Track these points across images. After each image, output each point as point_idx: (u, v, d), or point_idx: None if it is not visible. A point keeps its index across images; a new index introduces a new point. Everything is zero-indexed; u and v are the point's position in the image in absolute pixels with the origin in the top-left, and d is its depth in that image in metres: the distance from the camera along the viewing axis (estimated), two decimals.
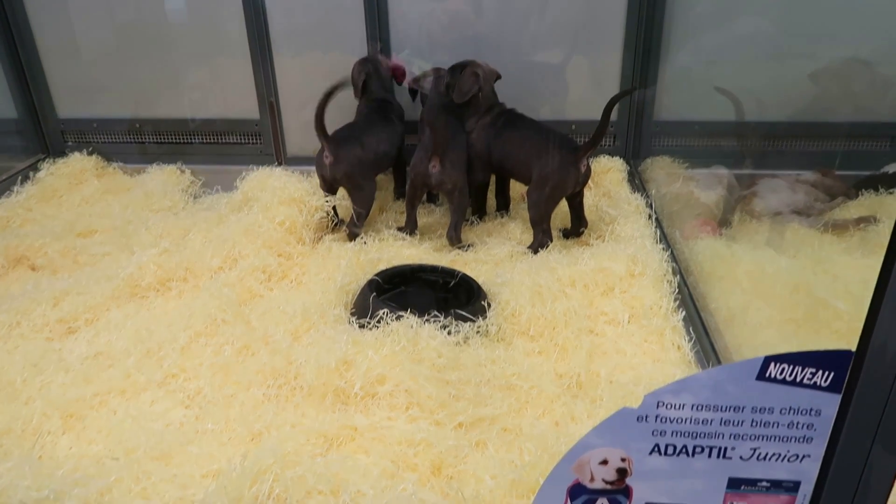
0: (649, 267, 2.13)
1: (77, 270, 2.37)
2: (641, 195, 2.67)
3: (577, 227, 2.54)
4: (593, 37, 2.89)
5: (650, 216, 2.50)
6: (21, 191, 2.93)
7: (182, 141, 3.23)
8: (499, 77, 2.65)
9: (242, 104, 3.11)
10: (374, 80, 2.76)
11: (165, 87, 3.20)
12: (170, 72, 3.17)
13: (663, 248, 2.26)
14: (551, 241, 2.43)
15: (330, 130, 2.46)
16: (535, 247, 2.41)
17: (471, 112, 2.57)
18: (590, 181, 2.85)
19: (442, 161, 2.41)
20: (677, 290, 2.07)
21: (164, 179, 3.04)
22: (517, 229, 2.61)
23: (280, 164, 3.17)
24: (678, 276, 2.13)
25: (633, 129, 2.97)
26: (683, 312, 1.98)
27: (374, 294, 2.01)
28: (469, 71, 2.53)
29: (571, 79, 3.00)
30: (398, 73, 2.94)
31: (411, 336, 1.79)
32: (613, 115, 2.93)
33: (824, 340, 1.75)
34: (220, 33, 3.05)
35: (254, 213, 2.46)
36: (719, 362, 1.78)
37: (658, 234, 2.38)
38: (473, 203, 2.65)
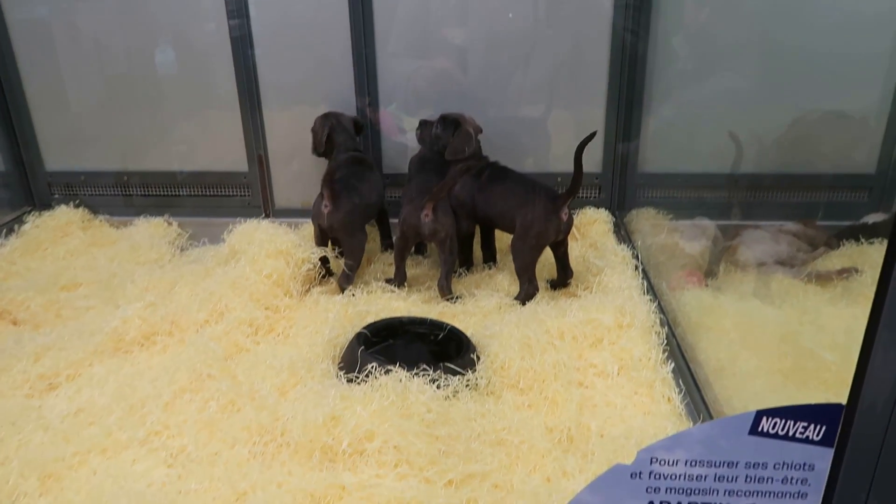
0: (637, 318, 2.14)
1: (60, 325, 2.34)
2: (628, 246, 2.70)
3: (564, 278, 2.55)
4: (577, 91, 2.97)
5: (637, 267, 2.52)
6: (5, 244, 2.90)
7: (169, 193, 3.24)
8: (480, 131, 2.71)
9: (231, 157, 3.13)
10: (340, 133, 2.80)
11: (154, 140, 3.23)
12: (158, 124, 3.20)
13: (650, 300, 2.27)
14: (538, 291, 2.44)
15: (313, 184, 2.49)
16: (523, 297, 2.43)
17: (455, 164, 2.61)
18: (576, 232, 2.89)
19: (434, 209, 2.43)
20: (666, 342, 2.08)
21: (151, 232, 3.03)
22: (504, 280, 2.62)
23: (267, 216, 3.18)
24: (666, 328, 2.13)
25: (617, 181, 3.02)
26: (672, 364, 1.98)
27: (363, 347, 1.99)
28: (464, 131, 2.60)
29: (556, 132, 3.06)
30: (386, 127, 3.00)
31: (400, 390, 1.77)
32: (597, 167, 3.02)
33: (814, 392, 1.76)
34: (209, 87, 3.09)
35: (241, 266, 2.44)
36: (710, 415, 1.77)
37: (645, 285, 2.40)
38: (460, 255, 2.67)
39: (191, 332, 2.22)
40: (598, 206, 3.01)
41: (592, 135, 2.36)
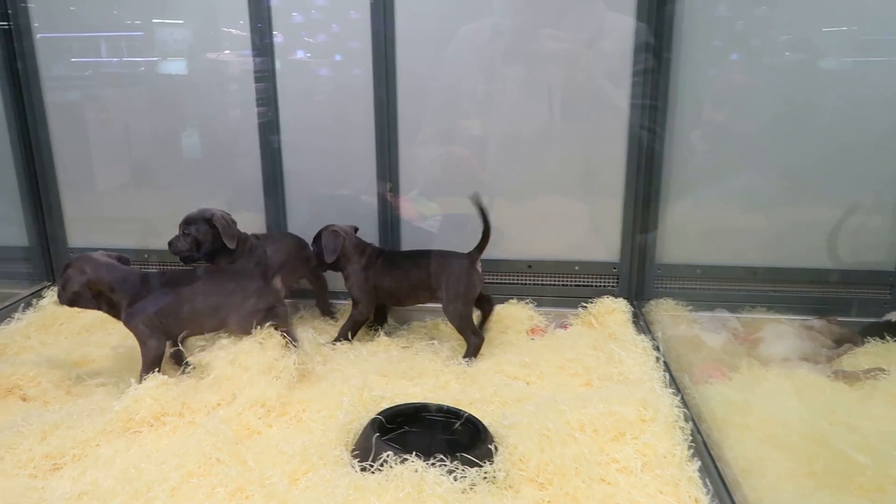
0: (660, 412, 2.07)
1: (70, 402, 2.30)
2: (647, 337, 2.66)
3: (488, 309, 2.86)
4: (593, 183, 3.02)
5: (658, 359, 2.47)
6: (22, 318, 2.90)
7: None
8: (356, 229, 2.88)
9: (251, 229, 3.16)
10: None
11: (174, 220, 3.27)
12: (181, 206, 3.25)
13: (673, 393, 2.21)
14: (482, 339, 2.67)
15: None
16: (472, 351, 2.64)
17: (344, 263, 2.78)
18: (594, 321, 2.88)
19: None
20: (691, 438, 2.00)
21: None
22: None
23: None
24: (691, 423, 2.06)
25: (636, 271, 3.02)
26: (699, 462, 1.90)
27: (377, 434, 1.93)
28: (326, 232, 2.77)
29: (574, 222, 3.09)
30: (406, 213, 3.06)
31: (416, 481, 1.71)
32: (615, 257, 3.03)
33: (850, 498, 1.67)
34: (234, 171, 3.17)
35: (250, 345, 2.41)
36: None
37: (667, 377, 2.35)
38: (350, 334, 2.80)
39: (202, 414, 2.17)
40: (615, 295, 2.99)
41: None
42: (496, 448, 1.95)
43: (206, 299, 2.42)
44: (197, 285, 2.43)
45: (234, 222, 2.77)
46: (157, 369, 2.35)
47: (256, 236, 2.89)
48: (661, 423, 2.04)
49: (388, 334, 2.89)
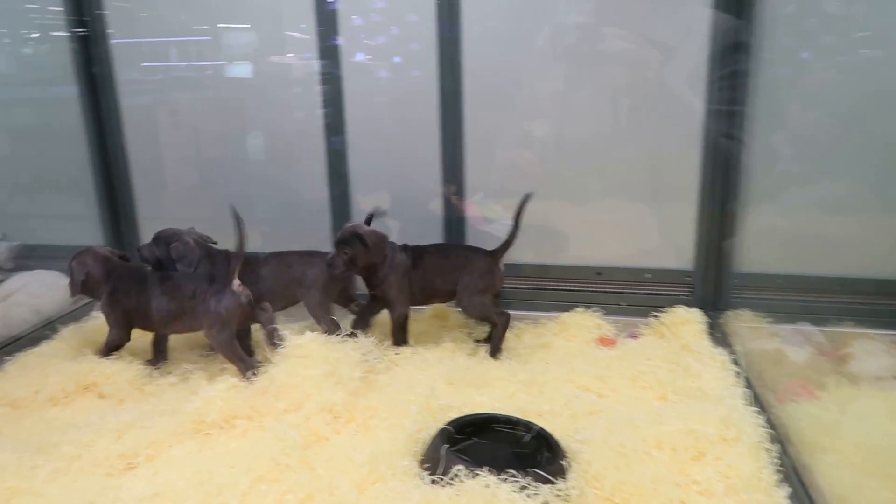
0: (744, 432, 1.96)
1: (143, 401, 2.34)
2: (725, 350, 2.53)
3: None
4: (665, 187, 2.91)
5: (738, 374, 2.35)
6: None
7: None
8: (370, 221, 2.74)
9: (314, 240, 3.16)
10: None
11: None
12: (247, 206, 3.27)
13: (757, 411, 2.09)
14: (508, 315, 2.66)
15: None
16: (500, 332, 2.65)
17: (377, 268, 2.64)
18: (666, 331, 2.77)
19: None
20: (778, 461, 1.89)
21: None
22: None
23: (353, 300, 3.17)
24: (777, 445, 1.95)
25: (711, 280, 2.89)
26: (788, 488, 1.78)
27: (447, 445, 1.89)
28: (375, 239, 2.60)
29: (644, 228, 2.98)
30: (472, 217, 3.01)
31: (488, 498, 1.66)
32: (689, 265, 2.90)
33: None
34: (301, 174, 3.18)
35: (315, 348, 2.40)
36: None
37: (749, 394, 2.22)
38: (401, 335, 2.74)
39: (270, 418, 2.17)
40: (689, 305, 2.86)
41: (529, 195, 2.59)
42: (569, 464, 1.88)
43: (164, 301, 2.51)
44: (161, 288, 2.54)
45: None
46: (112, 354, 2.55)
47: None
48: (745, 443, 1.93)
49: (453, 341, 2.84)
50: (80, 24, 3.18)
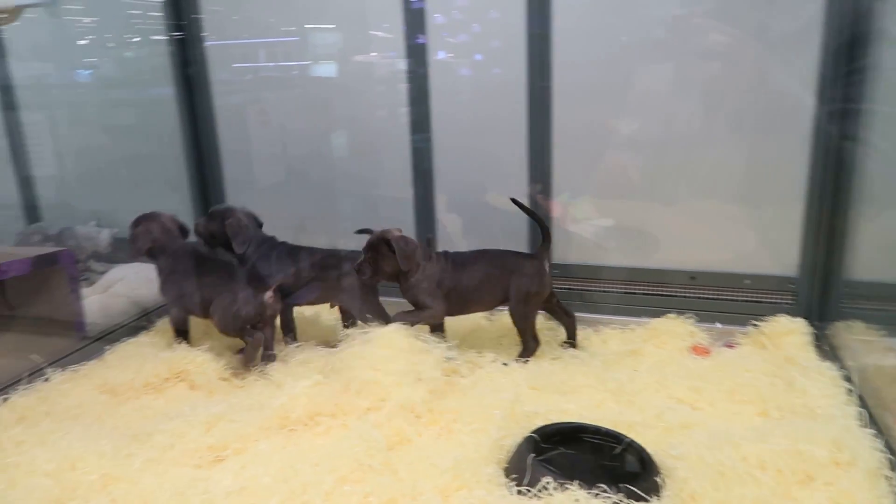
0: (859, 456, 1.80)
1: (231, 394, 2.39)
2: (834, 364, 2.34)
3: (571, 324, 2.70)
4: (768, 189, 2.73)
5: (850, 391, 2.17)
6: None
7: None
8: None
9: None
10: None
11: (324, 218, 3.34)
12: (330, 204, 3.31)
13: (874, 434, 1.91)
14: (539, 344, 2.60)
15: None
16: (528, 354, 2.58)
17: (409, 275, 2.54)
18: (767, 342, 2.60)
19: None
20: None
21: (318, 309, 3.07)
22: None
23: None
24: None
25: (818, 288, 2.69)
26: None
27: (533, 455, 1.82)
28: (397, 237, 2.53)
29: (743, 231, 2.81)
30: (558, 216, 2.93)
31: None
32: (792, 271, 2.71)
33: None
34: (386, 171, 3.17)
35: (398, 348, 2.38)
36: None
37: (863, 414, 2.04)
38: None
39: (353, 416, 2.16)
40: (792, 314, 2.67)
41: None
42: (663, 481, 1.78)
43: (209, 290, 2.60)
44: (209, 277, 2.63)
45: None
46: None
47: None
48: (861, 468, 1.77)
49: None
50: (178, 27, 3.28)
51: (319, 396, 2.21)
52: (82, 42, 3.67)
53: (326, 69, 3.30)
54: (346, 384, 2.27)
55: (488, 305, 2.69)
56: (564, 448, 1.97)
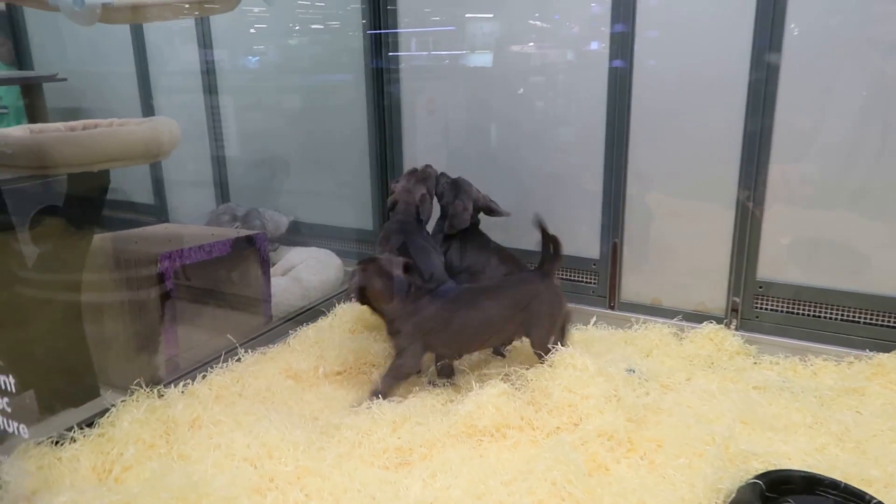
0: None
1: (412, 393, 2.32)
2: None
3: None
4: None
5: None
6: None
7: None
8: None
9: (583, 241, 2.97)
10: None
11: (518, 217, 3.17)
12: (520, 197, 3.14)
13: None
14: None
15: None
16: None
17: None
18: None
19: None
20: None
21: None
22: None
23: (612, 307, 2.95)
24: None
25: None
26: None
27: None
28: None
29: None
30: None
31: None
32: None
33: None
34: (574, 165, 2.97)
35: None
36: None
37: None
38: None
39: (543, 433, 2.03)
40: None
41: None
42: None
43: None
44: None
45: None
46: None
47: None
48: None
49: (736, 369, 2.49)
50: (375, 20, 3.26)
51: (507, 407, 2.09)
52: (294, 27, 3.73)
53: (483, 58, 3.13)
54: (536, 399, 2.14)
55: (508, 336, 2.42)
56: (793, 501, 1.72)
